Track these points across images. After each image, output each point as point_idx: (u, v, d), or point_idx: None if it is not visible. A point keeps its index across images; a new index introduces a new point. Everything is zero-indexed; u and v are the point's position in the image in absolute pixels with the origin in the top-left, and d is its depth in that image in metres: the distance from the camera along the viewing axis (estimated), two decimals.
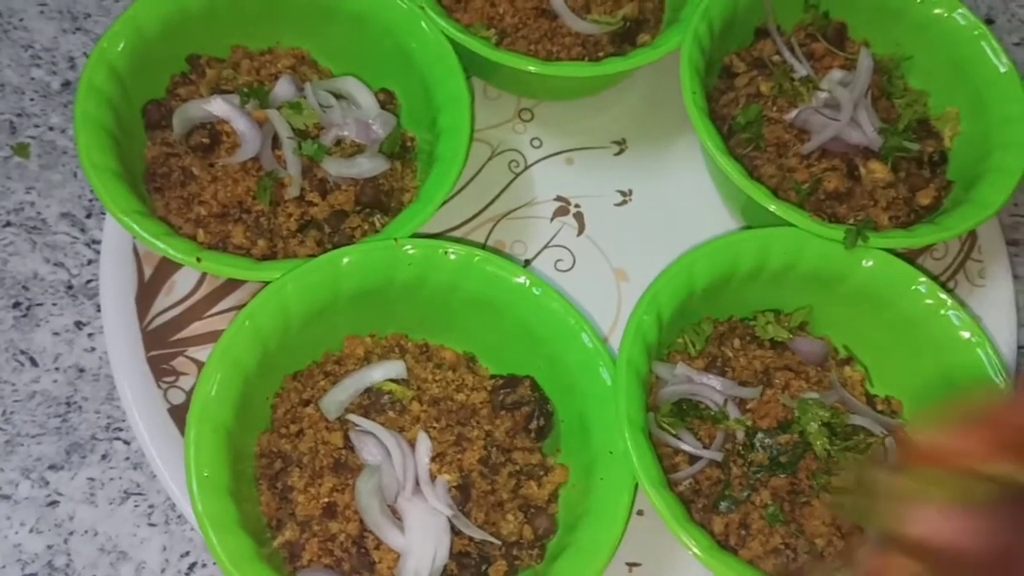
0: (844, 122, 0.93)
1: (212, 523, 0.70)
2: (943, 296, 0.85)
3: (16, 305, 0.93)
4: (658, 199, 1.01)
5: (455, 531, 0.77)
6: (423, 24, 0.93)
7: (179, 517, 0.86)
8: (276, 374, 0.82)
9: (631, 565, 0.84)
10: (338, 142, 0.92)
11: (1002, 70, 0.96)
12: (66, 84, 1.04)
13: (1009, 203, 0.90)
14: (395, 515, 0.76)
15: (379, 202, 0.90)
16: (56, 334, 0.92)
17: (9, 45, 1.06)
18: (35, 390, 0.89)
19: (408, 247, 0.82)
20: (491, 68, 0.95)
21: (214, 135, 0.89)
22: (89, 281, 0.95)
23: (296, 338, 0.81)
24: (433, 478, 0.78)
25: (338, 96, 0.95)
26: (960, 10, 0.99)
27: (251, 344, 0.78)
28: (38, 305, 0.93)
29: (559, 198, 1.00)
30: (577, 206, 1.00)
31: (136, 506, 0.86)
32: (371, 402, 0.82)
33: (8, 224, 0.96)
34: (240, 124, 0.89)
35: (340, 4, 0.95)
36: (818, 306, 0.90)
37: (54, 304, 0.93)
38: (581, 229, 0.99)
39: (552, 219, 0.99)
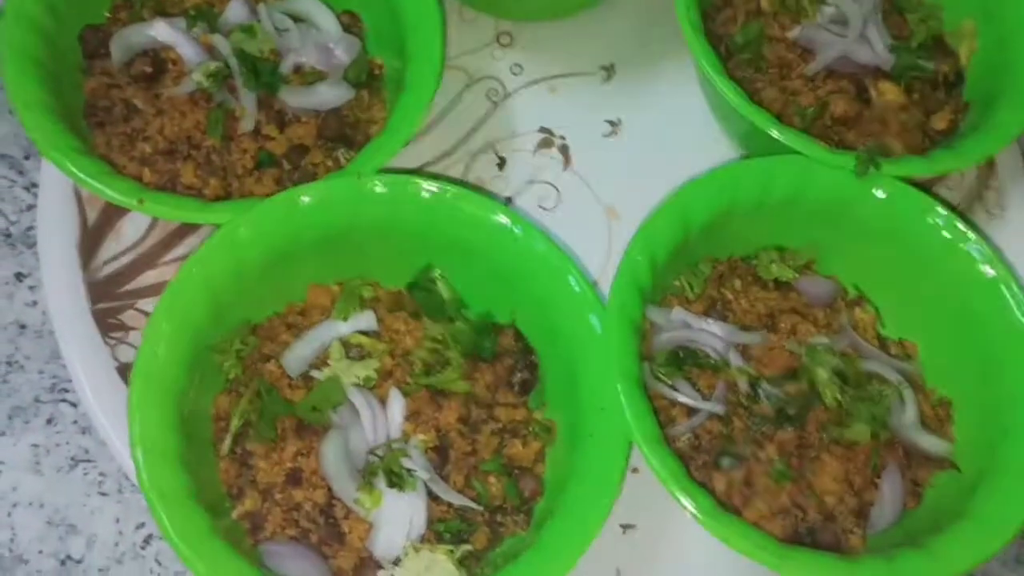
0: (852, 39, 0.87)
1: (159, 496, 0.65)
2: (962, 228, 0.79)
3: None
4: (650, 129, 0.94)
5: (432, 497, 0.70)
6: None
7: (134, 485, 0.80)
8: (233, 328, 0.75)
9: (625, 527, 0.78)
10: (297, 69, 0.85)
11: None
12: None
13: None
14: (365, 480, 0.69)
15: (343, 135, 0.83)
16: None
17: None
18: None
19: (375, 183, 0.75)
20: None
21: (158, 63, 0.82)
22: (29, 228, 0.88)
23: (253, 287, 0.75)
24: (407, 439, 0.71)
25: (296, 19, 0.87)
26: None
27: (201, 295, 0.72)
28: None
29: (542, 129, 0.93)
30: (562, 138, 0.93)
31: (85, 474, 0.80)
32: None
33: None
34: (186, 50, 0.82)
35: None
36: (825, 242, 0.84)
37: None
38: (567, 163, 0.92)
39: (535, 152, 0.92)
